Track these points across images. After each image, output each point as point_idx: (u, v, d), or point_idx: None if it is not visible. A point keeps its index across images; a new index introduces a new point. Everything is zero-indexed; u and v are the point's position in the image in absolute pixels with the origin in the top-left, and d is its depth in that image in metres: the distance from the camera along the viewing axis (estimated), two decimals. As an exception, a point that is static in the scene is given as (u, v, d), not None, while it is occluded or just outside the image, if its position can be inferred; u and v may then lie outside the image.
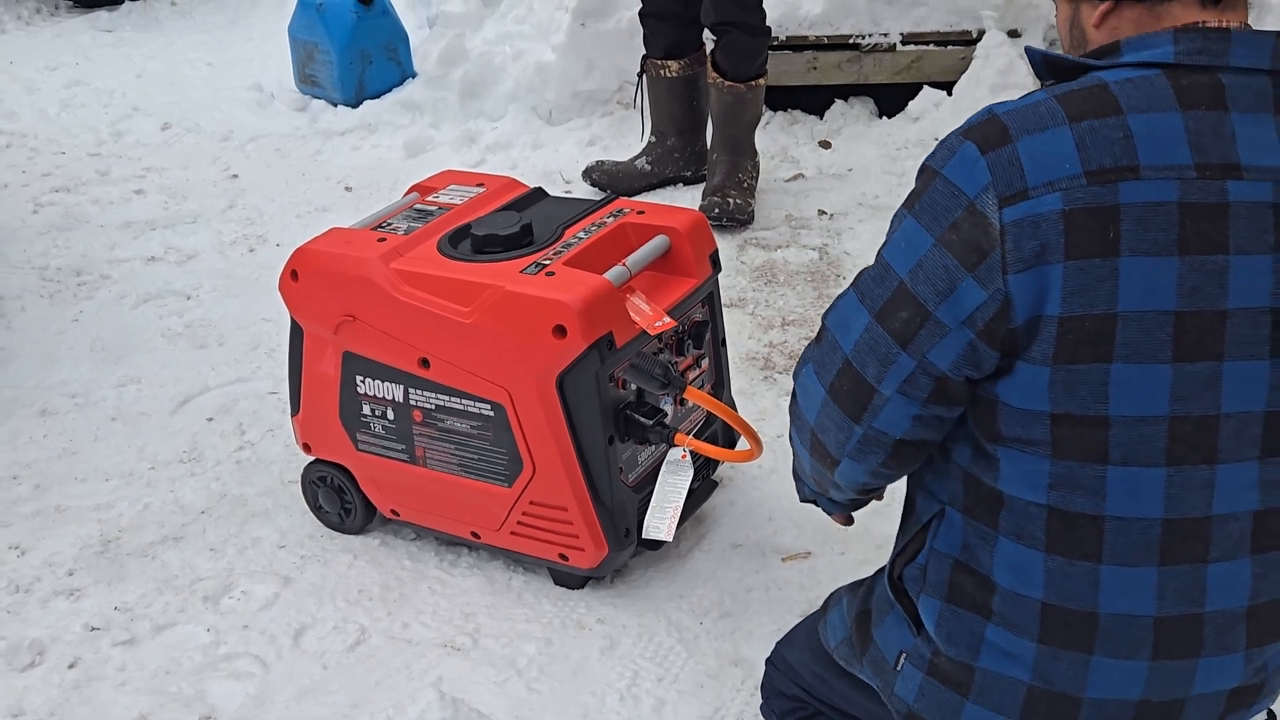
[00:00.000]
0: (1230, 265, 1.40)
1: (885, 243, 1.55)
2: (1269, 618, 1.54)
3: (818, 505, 1.91)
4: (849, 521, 1.98)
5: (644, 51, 4.50)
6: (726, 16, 4.17)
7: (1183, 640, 1.50)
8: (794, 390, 1.71)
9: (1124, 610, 1.49)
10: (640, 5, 4.44)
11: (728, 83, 4.22)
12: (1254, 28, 1.49)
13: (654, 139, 4.58)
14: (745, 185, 4.29)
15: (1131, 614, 1.49)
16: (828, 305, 3.72)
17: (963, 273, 1.43)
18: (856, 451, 1.61)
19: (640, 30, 4.50)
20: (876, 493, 1.77)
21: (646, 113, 4.61)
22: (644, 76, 4.55)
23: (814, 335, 3.56)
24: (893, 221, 1.56)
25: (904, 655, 1.69)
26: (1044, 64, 1.56)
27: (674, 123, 4.51)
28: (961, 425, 1.57)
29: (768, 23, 4.26)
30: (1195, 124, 1.41)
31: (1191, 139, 1.40)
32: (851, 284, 1.60)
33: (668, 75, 4.42)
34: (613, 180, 4.52)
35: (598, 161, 4.62)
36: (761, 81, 4.29)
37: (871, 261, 1.59)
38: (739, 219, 4.18)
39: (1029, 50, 1.60)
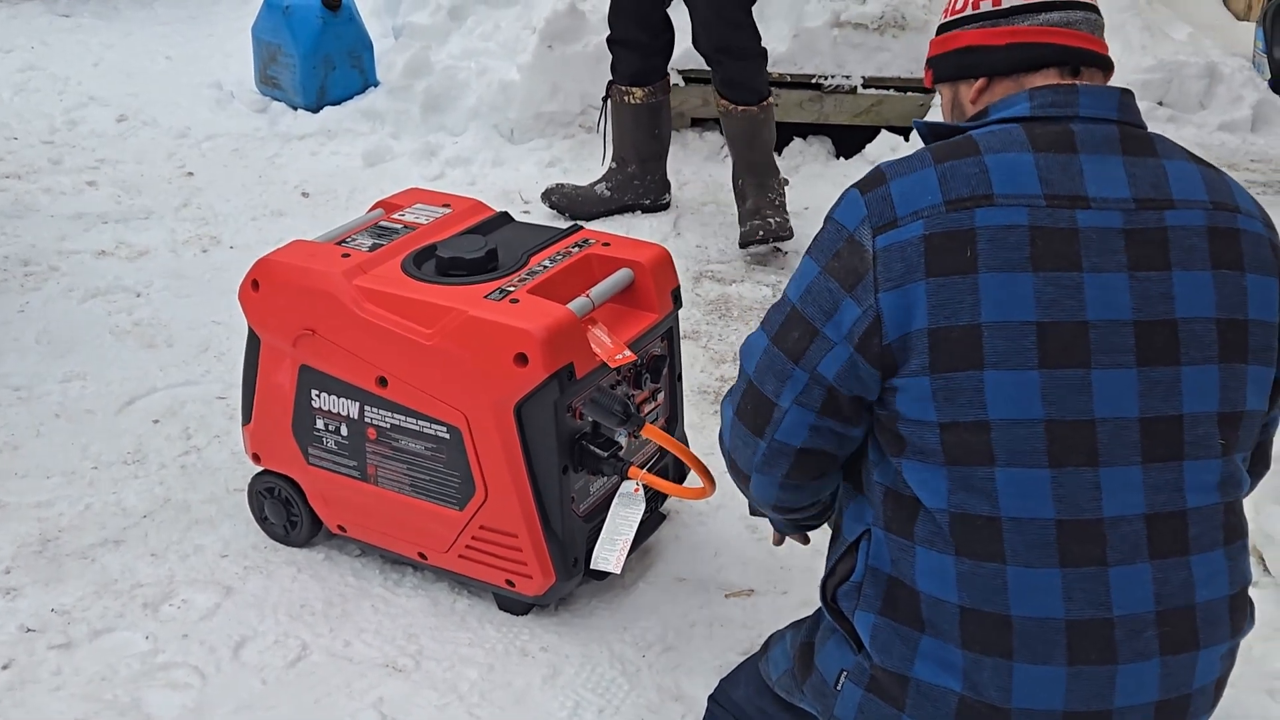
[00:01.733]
0: (1084, 281, 1.56)
1: (789, 282, 1.77)
2: (1179, 624, 1.60)
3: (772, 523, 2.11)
4: (805, 541, 2.17)
5: (610, 77, 4.53)
6: (721, 42, 4.20)
7: (1095, 644, 1.57)
8: (720, 432, 1.90)
9: (1035, 613, 1.57)
10: (609, 31, 4.47)
11: (740, 108, 4.26)
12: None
13: (615, 165, 4.60)
14: (778, 203, 4.33)
15: (1043, 617, 1.57)
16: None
17: (842, 293, 1.63)
18: (763, 464, 1.79)
19: (607, 55, 4.53)
20: (799, 513, 1.94)
21: (609, 138, 4.64)
22: (608, 102, 4.57)
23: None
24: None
25: (844, 674, 1.76)
26: (928, 131, 1.78)
27: (635, 150, 4.54)
28: (876, 448, 1.71)
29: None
30: (1045, 163, 1.60)
31: (1041, 174, 1.59)
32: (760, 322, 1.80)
33: (632, 102, 4.45)
34: (571, 204, 4.54)
35: (558, 185, 4.64)
36: (771, 100, 4.34)
37: None
38: (783, 235, 4.22)
39: (916, 123, 1.81)
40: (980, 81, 1.78)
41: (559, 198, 4.56)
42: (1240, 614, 1.66)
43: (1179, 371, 1.58)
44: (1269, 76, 5.55)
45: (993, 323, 1.55)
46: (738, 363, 1.89)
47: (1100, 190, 1.59)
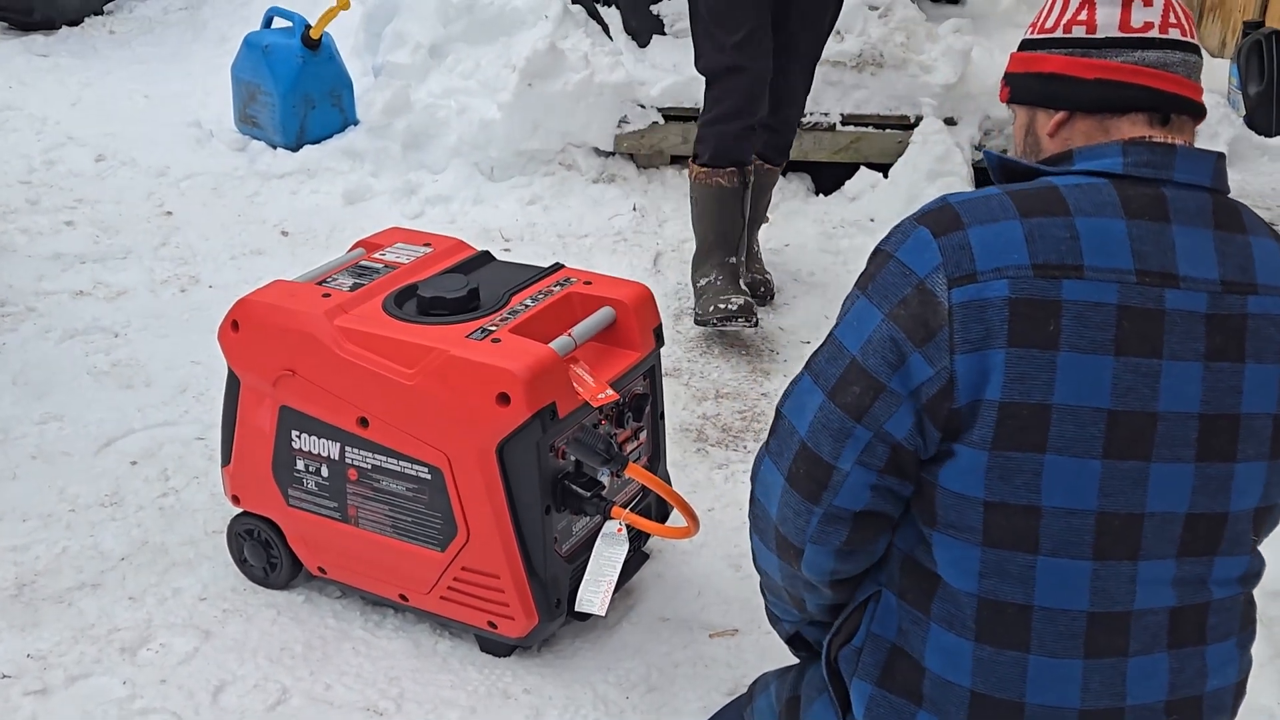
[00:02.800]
0: (1163, 369, 1.47)
1: (836, 323, 1.60)
2: (1186, 712, 1.58)
3: (805, 641, 1.89)
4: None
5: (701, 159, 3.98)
6: (798, 114, 4.24)
7: None
8: (752, 492, 1.70)
9: (1050, 702, 1.53)
10: (713, 110, 3.92)
11: (771, 166, 4.23)
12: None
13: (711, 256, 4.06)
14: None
15: (1058, 706, 1.53)
16: (761, 378, 3.77)
17: (911, 347, 1.49)
18: (818, 534, 1.61)
19: (588, 94, 4.51)
20: (848, 585, 1.72)
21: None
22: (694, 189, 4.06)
23: (747, 410, 3.60)
24: (845, 303, 1.62)
25: None
26: (1000, 168, 1.65)
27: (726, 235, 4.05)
28: (904, 508, 1.61)
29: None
30: (1138, 232, 1.49)
31: (1134, 245, 1.48)
32: (804, 367, 1.64)
33: (731, 184, 3.95)
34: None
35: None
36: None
37: (822, 342, 1.64)
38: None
39: (987, 154, 1.69)
40: (1061, 115, 1.64)
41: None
42: (1240, 697, 1.66)
43: (1233, 469, 1.52)
44: (1244, 113, 5.60)
45: (1064, 405, 1.45)
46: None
47: (1190, 268, 1.50)
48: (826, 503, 1.59)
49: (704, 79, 3.98)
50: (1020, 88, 1.70)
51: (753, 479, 1.71)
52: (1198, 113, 1.62)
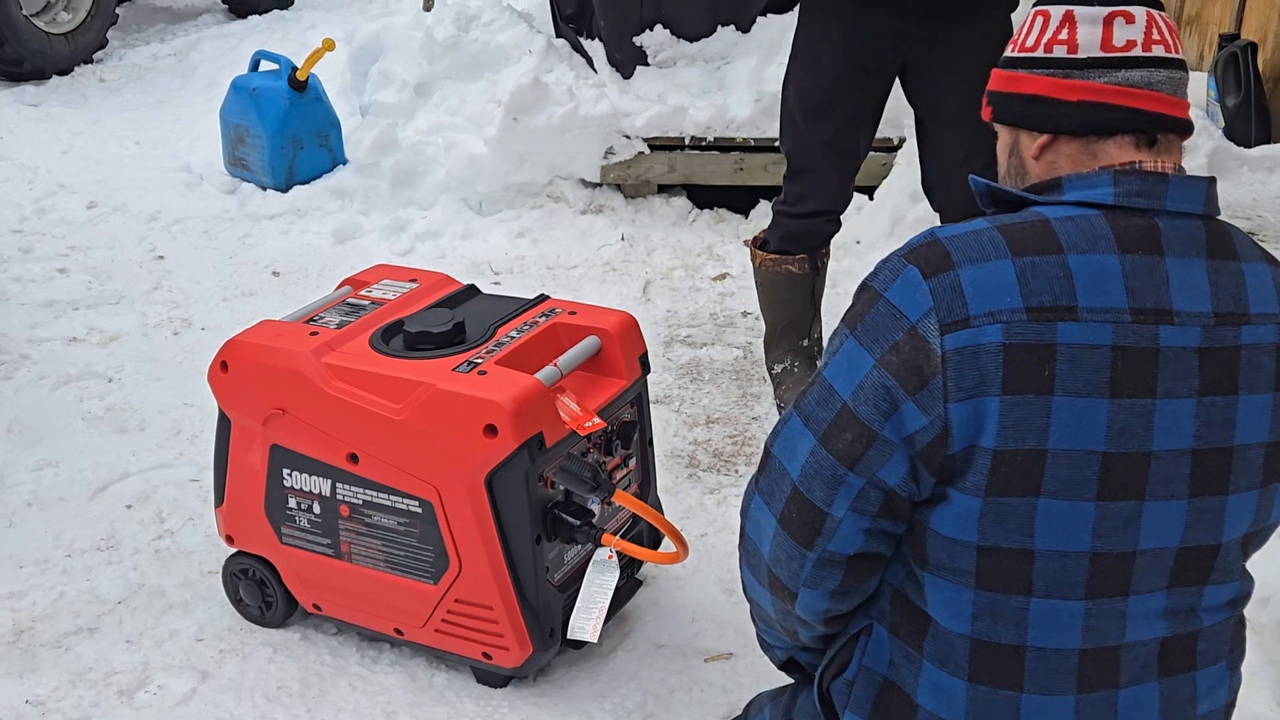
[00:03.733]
0: (1156, 409, 1.45)
1: (825, 363, 1.57)
2: None
3: (798, 664, 1.87)
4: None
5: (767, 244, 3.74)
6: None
7: None
8: (742, 527, 1.68)
9: None
10: (790, 201, 3.62)
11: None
12: (1187, 171, 1.56)
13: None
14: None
15: None
16: (752, 402, 3.79)
17: (904, 395, 1.46)
18: (812, 578, 1.59)
19: (573, 127, 4.53)
20: (842, 620, 1.70)
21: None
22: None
23: (738, 435, 3.62)
24: (832, 339, 1.58)
25: None
26: (987, 195, 1.62)
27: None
28: (896, 545, 1.60)
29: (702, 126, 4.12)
30: (1132, 267, 1.45)
31: (1128, 282, 1.45)
32: (793, 406, 1.61)
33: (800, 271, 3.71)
34: None
35: None
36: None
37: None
38: None
39: (973, 180, 1.64)
40: (1044, 138, 1.59)
41: None
42: (1230, 715, 1.66)
43: (1225, 501, 1.51)
44: (1222, 124, 5.64)
45: (1059, 450, 1.43)
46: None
47: (1184, 302, 1.46)
48: (820, 548, 1.56)
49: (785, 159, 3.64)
50: (1002, 108, 1.66)
51: (743, 514, 1.68)
52: (1184, 130, 1.57)
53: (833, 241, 4.78)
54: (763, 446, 1.66)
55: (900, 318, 1.47)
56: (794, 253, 3.65)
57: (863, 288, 1.55)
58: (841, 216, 3.69)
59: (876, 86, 3.41)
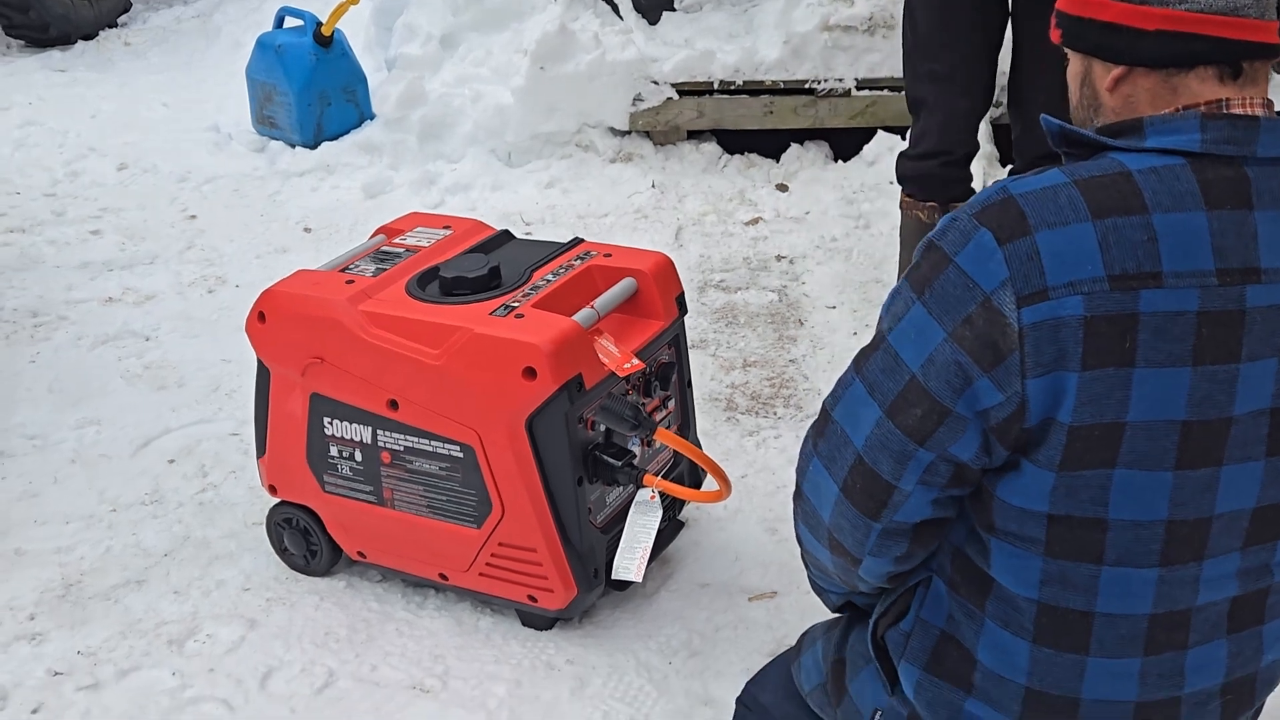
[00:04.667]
0: (1240, 373, 1.38)
1: (890, 326, 1.49)
2: (1241, 690, 1.57)
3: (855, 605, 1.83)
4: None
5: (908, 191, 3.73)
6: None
7: None
8: (799, 485, 1.64)
9: (1107, 696, 1.51)
10: (918, 145, 3.63)
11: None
12: (1274, 104, 1.46)
13: None
14: None
15: (1114, 700, 1.51)
16: (788, 344, 3.77)
17: (978, 371, 1.38)
18: (878, 547, 1.55)
19: (601, 74, 4.51)
20: (904, 578, 1.66)
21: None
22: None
23: (775, 377, 3.60)
24: (893, 298, 1.50)
25: (879, 713, 1.69)
26: (1061, 136, 1.50)
27: None
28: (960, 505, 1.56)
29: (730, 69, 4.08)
30: (1219, 225, 1.36)
31: (1215, 241, 1.36)
32: (853, 368, 1.53)
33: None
34: None
35: None
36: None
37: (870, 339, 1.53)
38: None
39: (1045, 120, 1.53)
40: (1120, 70, 1.47)
41: None
42: None
43: None
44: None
45: (1138, 422, 1.36)
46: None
47: (1273, 258, 1.38)
48: (887, 519, 1.51)
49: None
50: (1073, 33, 1.52)
51: (800, 473, 1.62)
52: (1271, 54, 1.43)
53: (866, 184, 4.77)
54: (819, 404, 1.61)
55: (973, 288, 1.37)
56: (920, 198, 3.58)
57: (930, 246, 1.44)
58: (973, 168, 3.57)
59: (990, 15, 3.31)
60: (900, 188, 3.70)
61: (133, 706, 2.44)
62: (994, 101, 4.85)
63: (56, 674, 2.52)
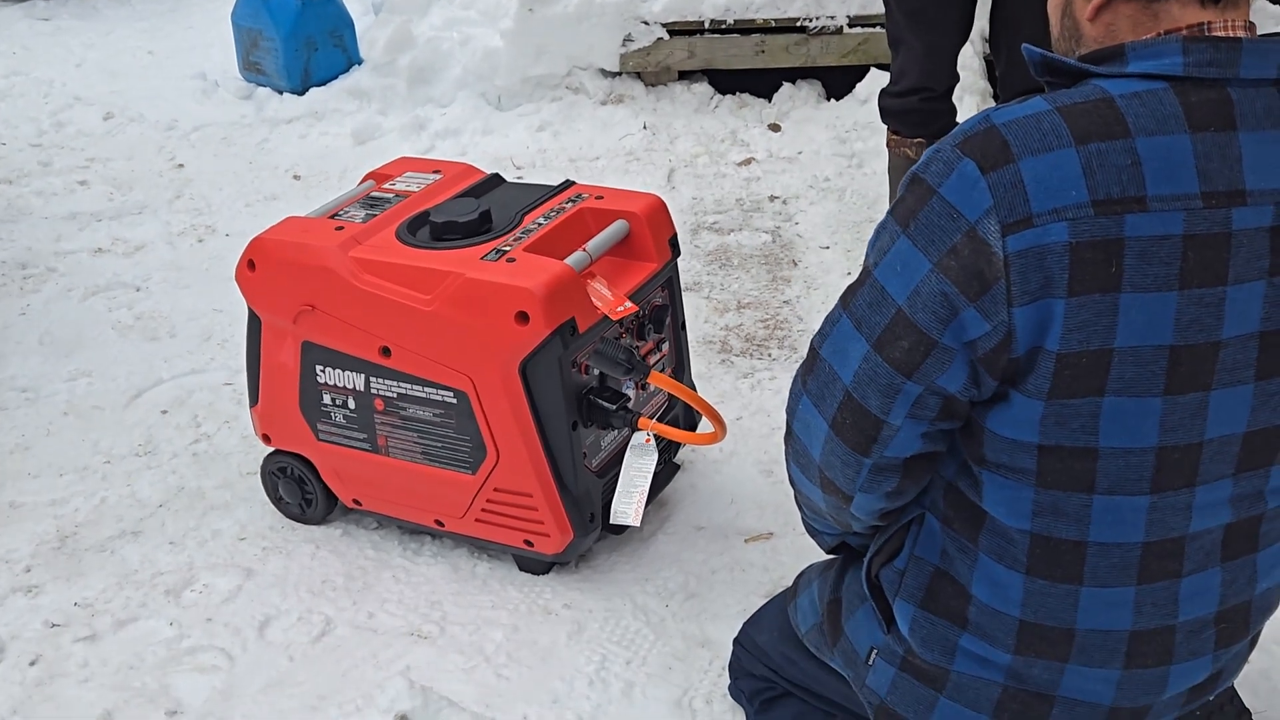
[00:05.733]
0: (1227, 296, 1.37)
1: (876, 260, 1.48)
2: (1235, 619, 1.57)
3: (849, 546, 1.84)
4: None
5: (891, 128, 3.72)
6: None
7: (1155, 650, 1.53)
8: (789, 425, 1.64)
9: (1101, 626, 1.51)
10: (895, 83, 3.62)
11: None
12: (1257, 28, 1.44)
13: None
14: None
15: (1108, 629, 1.51)
16: (782, 285, 3.76)
17: (964, 301, 1.37)
18: (869, 483, 1.56)
19: (590, 15, 4.47)
20: (896, 514, 1.67)
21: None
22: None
23: (769, 319, 3.59)
24: (879, 232, 1.49)
25: (875, 651, 1.70)
26: (1043, 65, 1.49)
27: None
28: (951, 439, 1.56)
29: (721, 9, 4.07)
30: (1204, 147, 1.35)
31: (1200, 164, 1.35)
32: (840, 305, 1.53)
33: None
34: None
35: None
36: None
37: (855, 274, 1.54)
38: None
39: (1026, 49, 1.51)
40: None
41: None
42: None
43: None
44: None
45: (1126, 348, 1.35)
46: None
47: (1258, 180, 1.37)
48: (877, 454, 1.51)
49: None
50: None
51: (789, 413, 1.62)
52: None
53: (859, 122, 4.73)
54: (808, 343, 1.59)
55: (958, 218, 1.36)
56: (906, 135, 3.57)
57: (913, 180, 1.43)
58: (955, 101, 3.56)
59: None
60: (885, 125, 3.69)
61: (131, 656, 2.44)
62: (984, 36, 4.80)
63: (54, 626, 2.52)
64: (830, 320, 1.54)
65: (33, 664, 2.43)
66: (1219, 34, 1.40)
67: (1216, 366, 1.39)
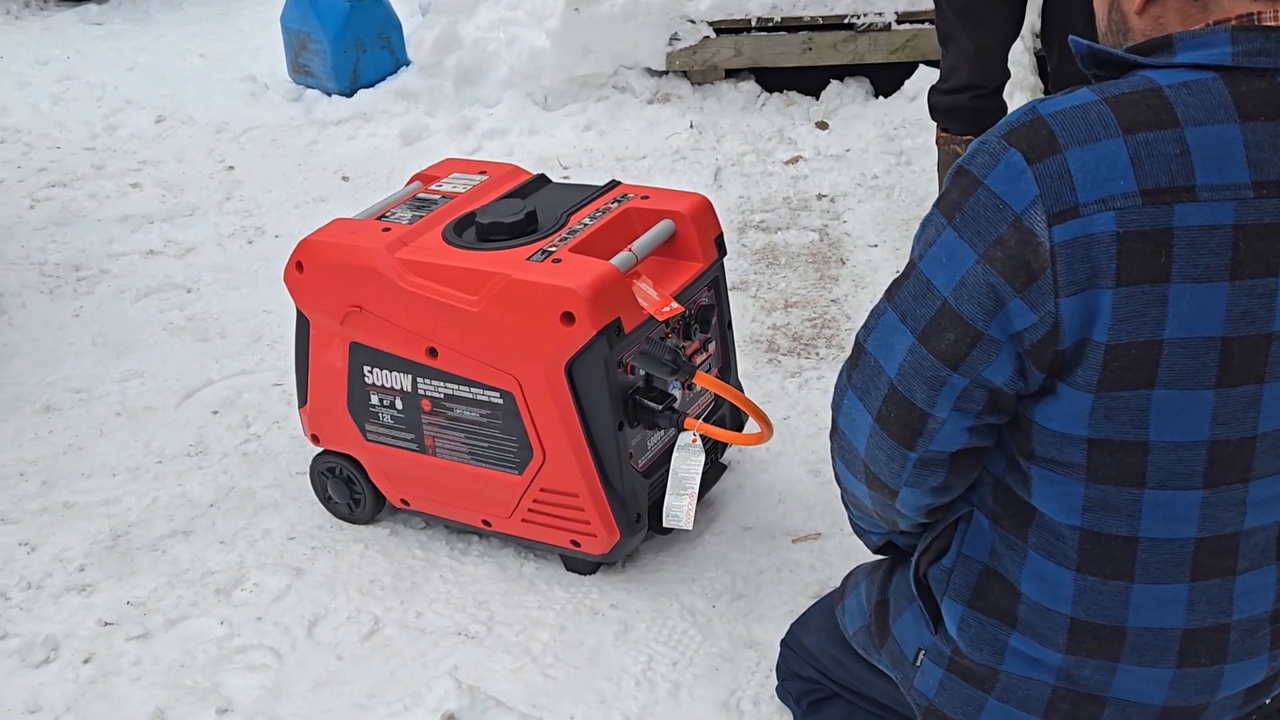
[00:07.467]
0: (1278, 287, 1.35)
1: (921, 253, 1.47)
2: None
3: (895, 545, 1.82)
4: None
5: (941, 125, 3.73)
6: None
7: (1209, 648, 1.51)
8: (834, 421, 1.63)
9: (1153, 624, 1.49)
10: (945, 80, 3.62)
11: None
12: None
13: None
14: None
15: (1161, 627, 1.49)
16: (830, 284, 3.74)
17: (1010, 292, 1.36)
18: (914, 478, 1.54)
19: (636, 14, 4.47)
20: (943, 510, 1.65)
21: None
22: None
23: (817, 318, 3.58)
24: (924, 226, 1.49)
25: (923, 652, 1.69)
26: (1090, 57, 1.47)
27: None
28: (998, 434, 1.54)
29: (768, 6, 4.07)
30: (1254, 137, 1.34)
31: (1250, 154, 1.33)
32: (886, 298, 1.52)
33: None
34: None
35: None
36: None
37: (902, 269, 1.52)
38: None
39: (1073, 41, 1.50)
40: None
41: None
42: None
43: None
44: None
45: (1176, 339, 1.34)
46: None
47: None
48: (922, 448, 1.50)
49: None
50: None
51: (835, 408, 1.61)
52: None
53: (907, 119, 4.69)
54: (854, 338, 1.58)
55: (1003, 208, 1.36)
56: (956, 132, 3.56)
57: (959, 172, 1.43)
58: (1005, 98, 3.54)
59: None
60: (935, 123, 3.66)
61: (182, 654, 2.46)
62: (1035, 31, 4.75)
63: (107, 624, 2.55)
64: (875, 314, 1.53)
65: (86, 662, 2.46)
66: (1269, 23, 1.38)
67: (1269, 358, 1.37)
